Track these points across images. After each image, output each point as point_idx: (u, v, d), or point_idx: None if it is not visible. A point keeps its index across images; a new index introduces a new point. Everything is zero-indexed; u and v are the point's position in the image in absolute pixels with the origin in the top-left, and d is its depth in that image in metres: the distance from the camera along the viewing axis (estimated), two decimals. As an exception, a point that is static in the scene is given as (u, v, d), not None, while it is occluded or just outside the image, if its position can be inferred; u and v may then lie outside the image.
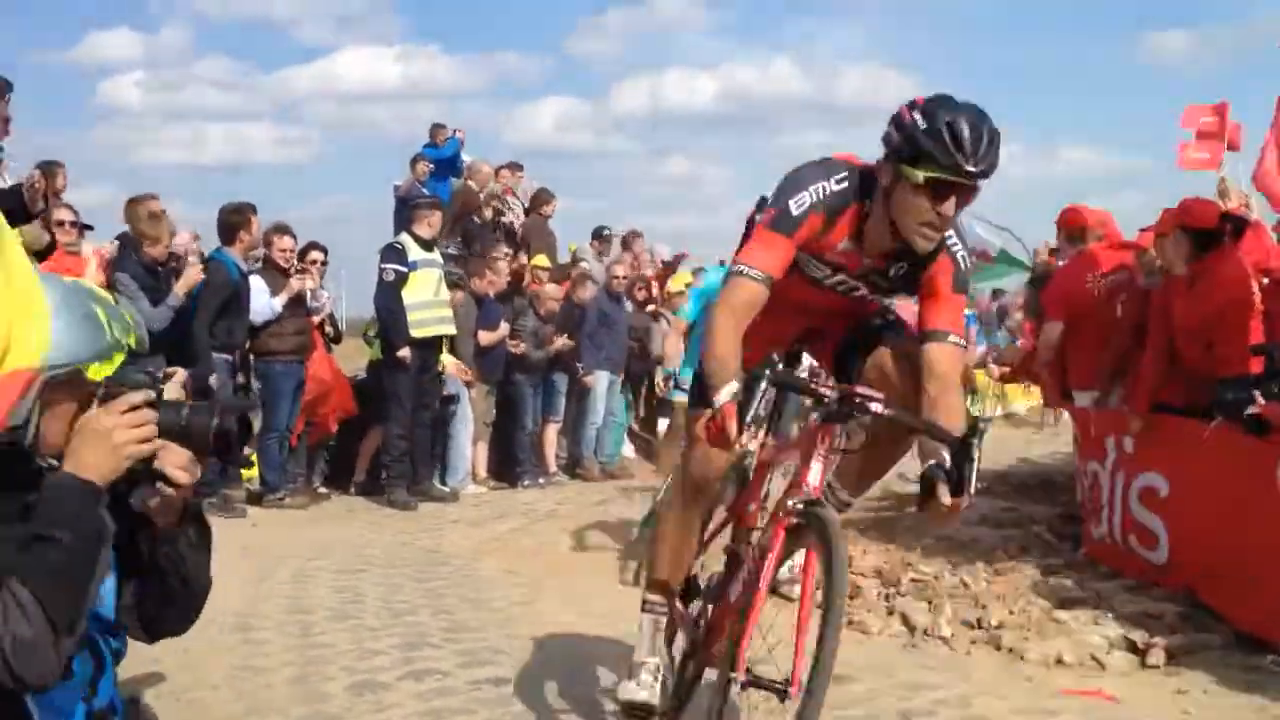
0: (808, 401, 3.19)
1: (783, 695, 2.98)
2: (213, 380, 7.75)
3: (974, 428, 3.13)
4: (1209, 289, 5.74)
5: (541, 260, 11.38)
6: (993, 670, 4.94)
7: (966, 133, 3.06)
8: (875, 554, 6.79)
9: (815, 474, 3.22)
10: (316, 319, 9.09)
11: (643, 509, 7.90)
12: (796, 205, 3.29)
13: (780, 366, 3.25)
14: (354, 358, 10.80)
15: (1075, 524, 7.07)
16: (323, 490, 9.43)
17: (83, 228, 7.27)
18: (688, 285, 10.05)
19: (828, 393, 3.22)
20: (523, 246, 12.08)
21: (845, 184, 3.30)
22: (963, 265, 3.40)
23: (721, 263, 6.66)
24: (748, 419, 3.05)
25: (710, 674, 3.57)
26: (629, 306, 11.39)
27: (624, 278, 11.25)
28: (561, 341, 10.42)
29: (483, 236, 12.00)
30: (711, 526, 3.89)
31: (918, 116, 3.11)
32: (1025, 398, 16.53)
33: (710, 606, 3.70)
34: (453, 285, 9.72)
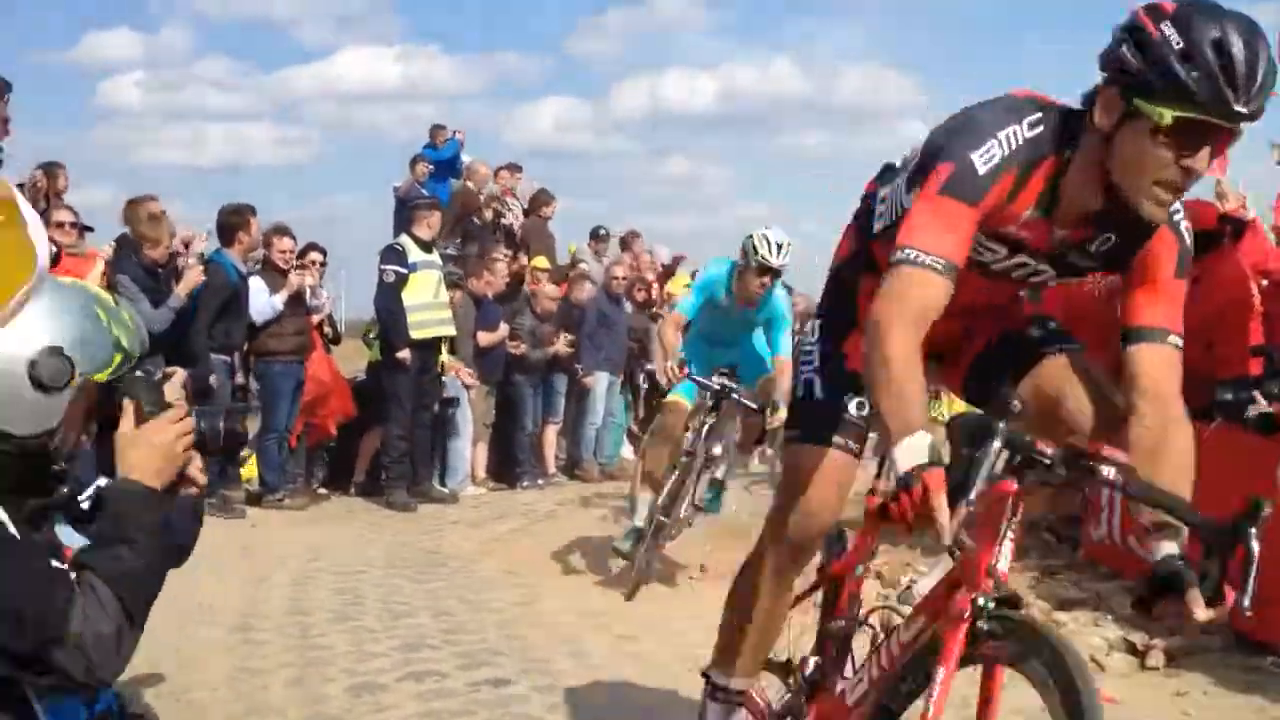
0: (995, 456, 2.18)
1: None
2: (212, 380, 7.75)
3: (1254, 509, 2.21)
4: (1208, 290, 5.73)
5: (541, 262, 11.38)
6: (992, 671, 4.93)
7: (1241, 56, 2.18)
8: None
9: (1005, 557, 2.33)
10: (316, 319, 9.09)
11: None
12: (984, 160, 2.39)
13: (1015, 409, 2.25)
14: (354, 359, 10.80)
15: (1074, 525, 7.08)
16: (322, 491, 9.42)
17: (83, 229, 7.27)
18: (686, 286, 10.04)
19: (1049, 452, 2.29)
20: (522, 248, 12.09)
21: (1041, 128, 2.45)
22: (1186, 241, 2.62)
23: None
24: (969, 496, 2.11)
25: None
26: (628, 307, 11.39)
27: (623, 279, 11.25)
28: (561, 342, 10.42)
29: (482, 238, 12.01)
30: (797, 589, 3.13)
31: (1169, 31, 2.21)
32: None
33: (810, 703, 3.01)
34: (451, 286, 9.73)
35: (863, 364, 2.42)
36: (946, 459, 2.18)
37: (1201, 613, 2.19)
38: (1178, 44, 2.19)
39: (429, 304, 9.14)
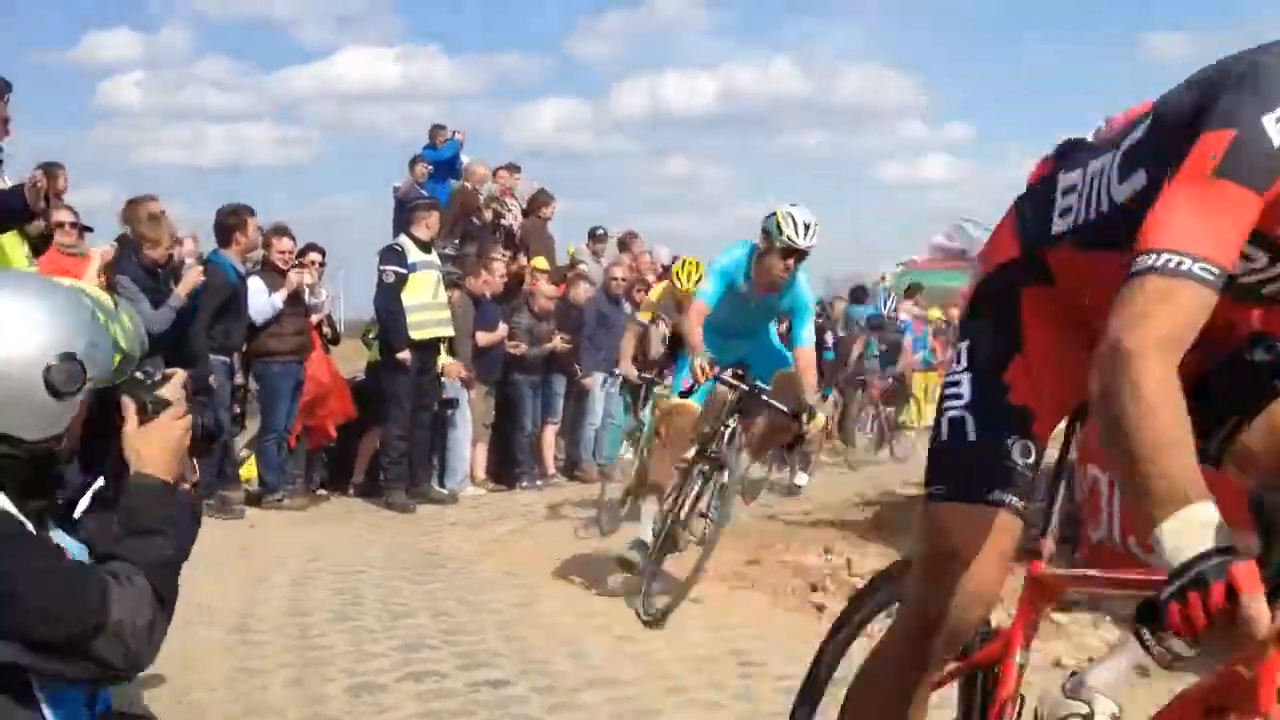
0: None
1: None
2: (211, 380, 7.75)
3: None
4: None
5: (540, 263, 11.39)
6: (991, 673, 4.93)
7: None
8: (874, 556, 6.79)
9: None
10: (315, 319, 9.09)
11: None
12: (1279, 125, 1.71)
13: None
14: (353, 359, 10.80)
15: (1073, 526, 7.07)
16: (321, 492, 9.43)
17: (83, 229, 7.27)
18: (693, 285, 10.04)
19: None
20: (521, 248, 12.09)
21: None
22: None
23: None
24: None
25: None
26: (627, 308, 11.39)
27: (623, 279, 11.25)
28: (558, 340, 10.42)
29: (482, 238, 12.01)
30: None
31: None
32: None
33: None
34: (450, 285, 9.74)
35: (1097, 410, 1.76)
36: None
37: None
38: None
39: (428, 304, 9.14)
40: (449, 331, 9.39)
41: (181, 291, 7.70)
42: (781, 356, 6.25)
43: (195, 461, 2.30)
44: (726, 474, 5.88)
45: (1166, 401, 1.68)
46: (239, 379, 8.51)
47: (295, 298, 8.62)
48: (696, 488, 5.95)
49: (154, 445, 2.10)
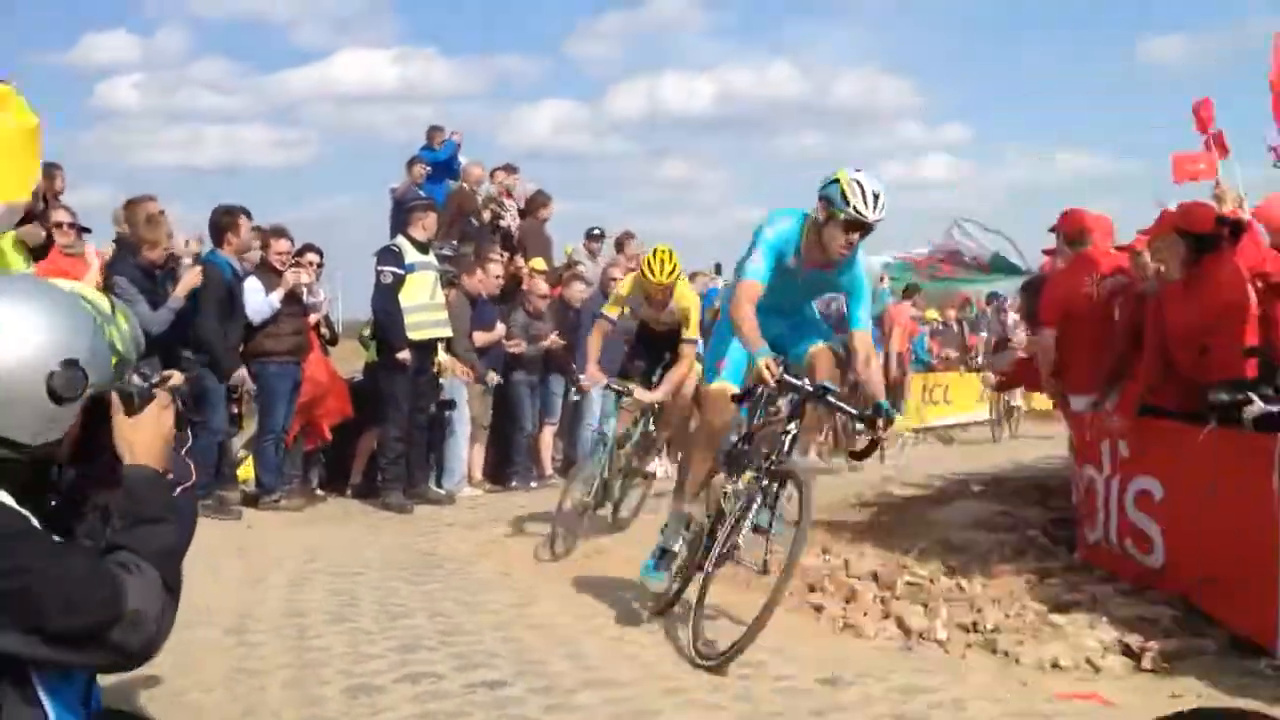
0: None
1: None
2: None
3: None
4: (1206, 292, 5.75)
5: (538, 264, 11.39)
6: (988, 674, 4.94)
7: None
8: (872, 557, 6.81)
9: None
10: (314, 319, 9.09)
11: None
12: None
13: None
14: (351, 360, 10.80)
15: (1070, 528, 7.08)
16: (319, 492, 9.42)
17: (81, 230, 7.27)
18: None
19: None
20: (519, 249, 12.09)
21: None
22: None
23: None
24: None
25: None
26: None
27: (620, 280, 11.24)
28: (553, 338, 10.41)
29: (479, 239, 12.01)
30: None
31: None
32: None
33: None
34: (447, 285, 9.74)
35: None
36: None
37: None
38: None
39: (425, 305, 9.15)
40: (446, 332, 9.40)
41: (181, 292, 7.70)
42: (818, 330, 5.56)
43: (192, 463, 2.32)
44: (798, 488, 4.98)
45: None
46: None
47: (293, 298, 8.62)
48: (757, 502, 5.08)
49: (145, 436, 2.12)
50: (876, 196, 4.93)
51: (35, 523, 1.96)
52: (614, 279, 11.13)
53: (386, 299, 9.03)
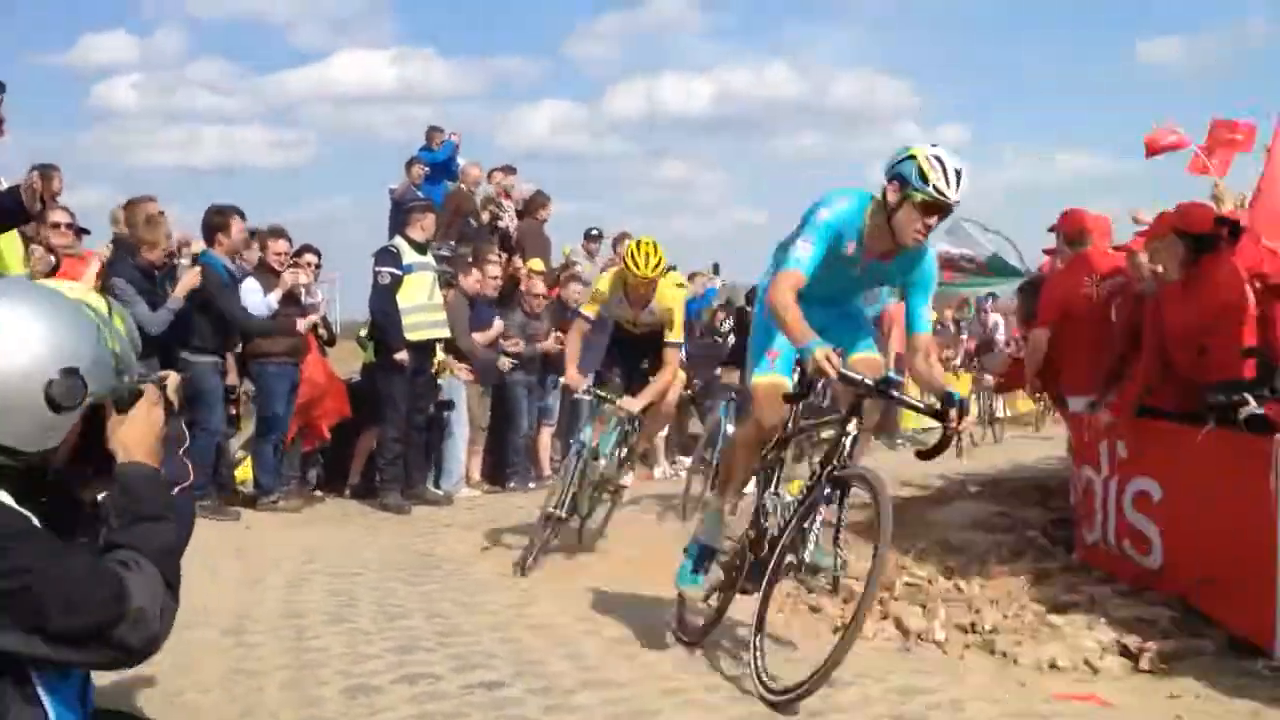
0: None
1: None
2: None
3: None
4: (1204, 293, 5.75)
5: (536, 265, 11.39)
6: (986, 674, 4.94)
7: None
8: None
9: None
10: (312, 319, 9.08)
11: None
12: None
13: None
14: (349, 361, 10.80)
15: (1068, 528, 7.08)
16: (317, 493, 9.42)
17: (79, 230, 7.27)
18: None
19: None
20: (517, 250, 12.09)
21: None
22: None
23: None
24: None
25: None
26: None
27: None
28: (552, 340, 10.42)
29: (478, 240, 12.01)
30: None
31: None
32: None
33: None
34: (445, 286, 9.75)
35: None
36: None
37: None
38: None
39: (424, 306, 9.15)
40: (445, 333, 9.40)
41: (180, 293, 7.70)
42: (864, 327, 5.08)
43: (190, 464, 2.32)
44: (872, 494, 4.50)
45: None
46: (232, 379, 8.49)
47: (291, 299, 8.62)
48: (820, 514, 4.69)
49: (136, 431, 2.13)
50: (958, 173, 4.38)
51: (36, 523, 1.96)
52: (613, 280, 11.15)
53: (384, 300, 9.02)
